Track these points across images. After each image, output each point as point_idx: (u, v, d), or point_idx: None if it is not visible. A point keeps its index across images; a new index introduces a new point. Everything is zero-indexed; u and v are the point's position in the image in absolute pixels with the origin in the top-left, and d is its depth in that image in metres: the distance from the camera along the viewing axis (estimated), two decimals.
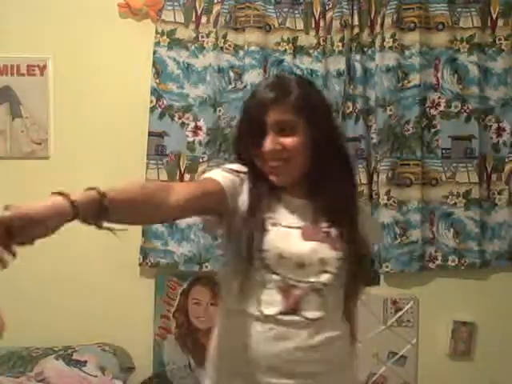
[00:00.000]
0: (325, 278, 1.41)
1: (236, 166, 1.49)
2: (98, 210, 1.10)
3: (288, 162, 1.42)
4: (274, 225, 1.41)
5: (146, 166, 2.69)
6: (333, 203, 1.45)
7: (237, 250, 1.41)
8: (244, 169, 1.48)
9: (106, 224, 1.14)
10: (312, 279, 1.40)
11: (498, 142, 2.72)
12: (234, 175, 1.45)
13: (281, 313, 1.39)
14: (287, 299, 1.39)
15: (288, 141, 1.41)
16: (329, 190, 1.45)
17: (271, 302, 1.39)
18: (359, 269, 1.45)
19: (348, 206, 1.48)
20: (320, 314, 1.41)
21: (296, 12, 2.72)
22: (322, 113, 1.47)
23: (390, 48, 2.66)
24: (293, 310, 1.39)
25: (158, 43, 2.70)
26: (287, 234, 1.42)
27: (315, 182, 1.46)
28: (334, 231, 1.43)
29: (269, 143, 1.41)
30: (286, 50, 2.70)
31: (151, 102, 2.70)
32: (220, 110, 2.70)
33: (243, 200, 1.43)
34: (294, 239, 1.41)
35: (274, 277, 1.39)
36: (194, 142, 2.72)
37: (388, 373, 2.68)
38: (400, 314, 2.68)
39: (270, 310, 1.39)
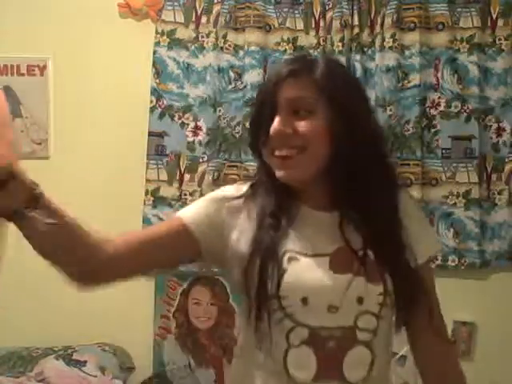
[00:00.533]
0: (366, 322, 1.12)
1: (231, 190, 1.21)
2: (29, 199, 1.00)
3: (300, 151, 1.11)
4: (293, 258, 1.10)
5: (145, 166, 2.69)
6: (369, 216, 1.14)
7: (248, 297, 1.12)
8: (244, 189, 1.20)
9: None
10: (349, 325, 1.10)
11: (498, 141, 2.71)
12: (219, 204, 1.17)
13: (316, 377, 1.10)
14: (322, 357, 1.09)
15: (301, 124, 1.11)
16: (363, 198, 1.14)
17: (301, 362, 1.10)
18: (409, 303, 1.18)
19: (389, 220, 1.16)
20: (365, 374, 1.12)
21: (296, 12, 2.71)
22: (351, 97, 1.15)
23: (390, 48, 2.66)
24: (330, 372, 1.10)
25: (158, 43, 2.70)
26: (311, 266, 1.10)
27: (343, 189, 1.15)
28: (371, 255, 1.12)
29: (276, 124, 1.11)
30: (285, 50, 2.69)
31: (151, 102, 2.69)
32: (220, 110, 2.69)
33: (239, 231, 1.15)
34: (321, 273, 1.10)
35: (300, 329, 1.09)
36: (193, 141, 2.72)
37: None
38: None
39: (301, 374, 1.10)
